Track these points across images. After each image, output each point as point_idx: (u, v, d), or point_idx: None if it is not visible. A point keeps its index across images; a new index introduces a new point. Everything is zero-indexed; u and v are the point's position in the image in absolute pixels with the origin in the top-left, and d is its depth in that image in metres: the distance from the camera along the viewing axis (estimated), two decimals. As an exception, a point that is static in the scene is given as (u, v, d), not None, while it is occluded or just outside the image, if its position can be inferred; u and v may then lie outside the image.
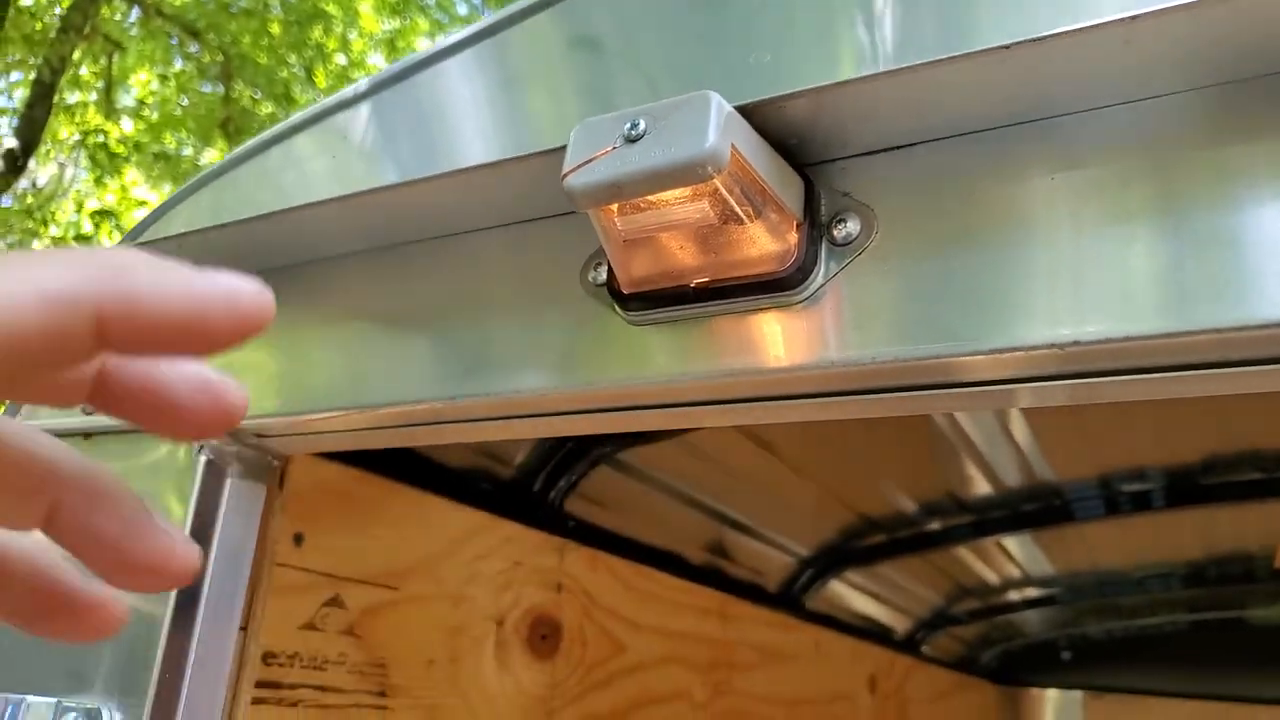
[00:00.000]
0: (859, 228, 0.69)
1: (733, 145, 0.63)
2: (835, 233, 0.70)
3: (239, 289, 0.31)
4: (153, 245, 0.98)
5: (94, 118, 10.71)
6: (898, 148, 0.70)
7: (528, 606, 1.60)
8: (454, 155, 0.85)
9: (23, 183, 9.86)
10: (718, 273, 0.71)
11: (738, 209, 0.65)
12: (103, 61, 10.66)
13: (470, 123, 0.91)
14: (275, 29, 10.45)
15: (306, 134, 1.02)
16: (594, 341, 0.76)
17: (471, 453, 1.64)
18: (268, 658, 1.17)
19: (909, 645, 3.54)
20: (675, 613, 2.03)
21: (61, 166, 11.28)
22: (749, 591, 2.41)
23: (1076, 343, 0.61)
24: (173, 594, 0.89)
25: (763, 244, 0.68)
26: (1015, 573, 3.44)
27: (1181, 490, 2.42)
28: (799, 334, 0.69)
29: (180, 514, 0.94)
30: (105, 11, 9.97)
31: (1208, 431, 2.15)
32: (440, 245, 0.86)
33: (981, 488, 2.49)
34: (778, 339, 0.70)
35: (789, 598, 2.67)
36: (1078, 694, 4.51)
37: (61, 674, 0.93)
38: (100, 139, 10.67)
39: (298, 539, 1.23)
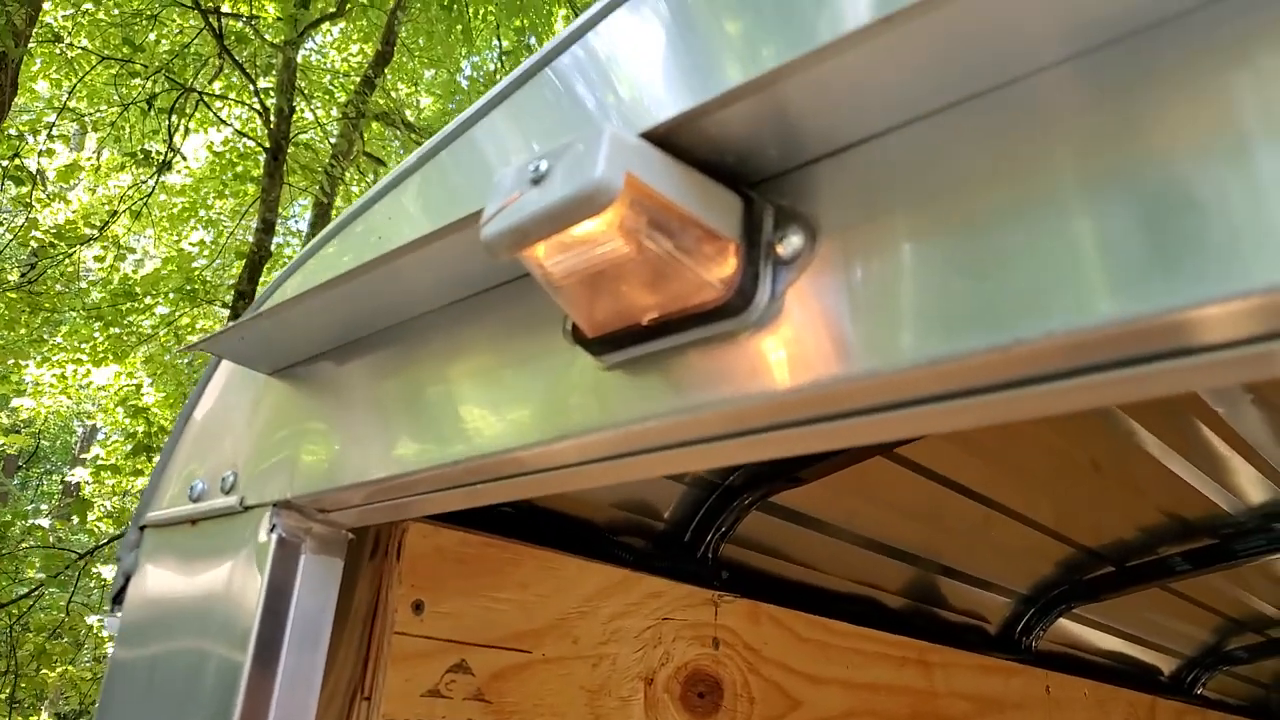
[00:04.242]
0: (803, 240, 0.64)
1: (629, 174, 0.60)
2: (780, 250, 0.65)
3: None
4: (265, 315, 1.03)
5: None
6: (838, 151, 0.64)
7: (680, 664, 1.57)
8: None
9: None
10: (666, 308, 0.68)
11: (654, 237, 0.62)
12: (370, 177, 11.92)
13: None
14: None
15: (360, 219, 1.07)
16: (566, 390, 0.74)
17: (615, 508, 1.64)
18: (391, 725, 1.21)
19: (1177, 687, 3.16)
20: (863, 663, 1.92)
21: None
22: (957, 636, 2.24)
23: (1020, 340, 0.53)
24: (248, 662, 0.94)
25: (699, 273, 0.65)
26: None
27: None
28: (748, 361, 0.65)
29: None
30: (368, 134, 11.15)
31: None
32: (437, 315, 0.87)
33: (1217, 507, 2.20)
34: (727, 369, 0.66)
35: (1010, 640, 2.46)
36: None
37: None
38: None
39: (417, 607, 1.27)
